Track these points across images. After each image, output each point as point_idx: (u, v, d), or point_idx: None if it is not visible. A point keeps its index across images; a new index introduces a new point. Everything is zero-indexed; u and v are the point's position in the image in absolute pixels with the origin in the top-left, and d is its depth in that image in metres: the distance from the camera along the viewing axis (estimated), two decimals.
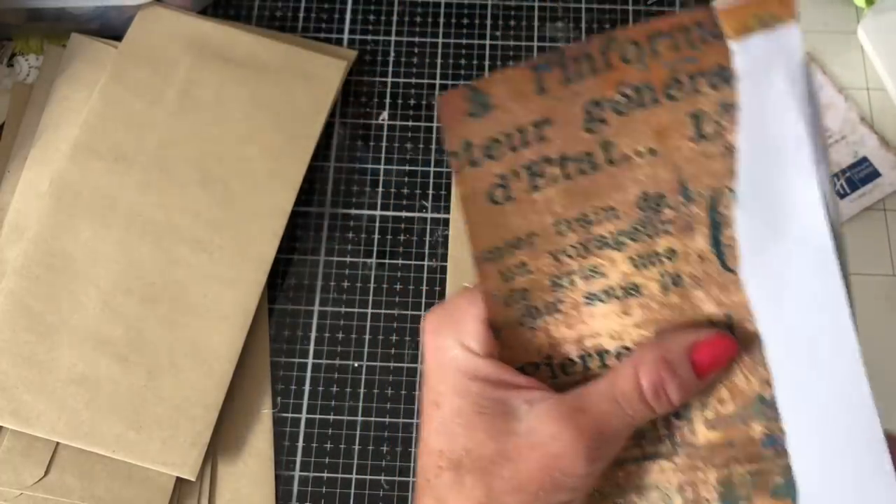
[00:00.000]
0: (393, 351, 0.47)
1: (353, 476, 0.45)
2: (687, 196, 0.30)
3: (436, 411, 0.31)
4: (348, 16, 0.54)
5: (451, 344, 0.32)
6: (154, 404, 0.44)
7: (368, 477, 0.45)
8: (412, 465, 0.45)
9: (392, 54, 0.53)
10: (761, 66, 0.29)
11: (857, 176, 0.50)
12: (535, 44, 0.53)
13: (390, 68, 0.53)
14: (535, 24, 0.54)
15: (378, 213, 0.50)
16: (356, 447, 0.46)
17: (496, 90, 0.31)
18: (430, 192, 0.50)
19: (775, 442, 0.30)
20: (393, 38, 0.54)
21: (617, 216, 0.31)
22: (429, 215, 0.50)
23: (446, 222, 0.49)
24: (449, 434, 0.31)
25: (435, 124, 0.52)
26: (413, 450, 0.45)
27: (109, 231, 0.47)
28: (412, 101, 0.52)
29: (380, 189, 0.50)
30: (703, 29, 0.29)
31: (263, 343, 0.47)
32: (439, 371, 0.32)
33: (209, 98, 0.50)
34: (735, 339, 0.30)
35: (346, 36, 0.54)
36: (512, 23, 0.54)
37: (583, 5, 0.54)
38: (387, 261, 0.49)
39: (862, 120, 0.51)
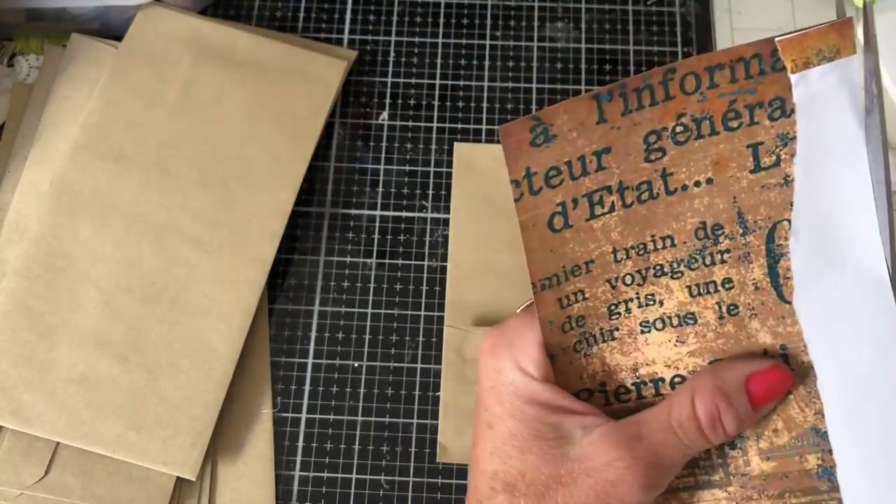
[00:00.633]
0: (393, 351, 0.47)
1: (353, 476, 0.45)
2: (744, 226, 0.31)
3: (490, 433, 0.31)
4: (348, 16, 0.54)
5: (508, 367, 0.32)
6: (154, 404, 0.44)
7: (368, 477, 0.45)
8: (412, 465, 0.45)
9: (392, 54, 0.53)
10: (821, 98, 0.29)
11: None
12: (535, 44, 0.53)
13: (390, 68, 0.53)
14: (535, 24, 0.54)
15: (378, 213, 0.50)
16: (356, 447, 0.46)
17: (558, 120, 0.31)
18: (430, 192, 0.50)
19: (830, 474, 0.30)
20: (393, 38, 0.54)
21: (674, 245, 0.31)
22: (429, 215, 0.50)
23: (446, 222, 0.49)
24: (503, 456, 0.31)
25: (435, 124, 0.52)
26: (413, 449, 0.45)
27: (109, 231, 0.47)
28: (412, 101, 0.52)
29: (380, 189, 0.50)
30: (763, 61, 0.30)
31: (263, 343, 0.47)
32: (495, 393, 0.32)
33: (209, 98, 0.50)
34: (791, 371, 0.30)
35: (346, 36, 0.54)
36: (512, 23, 0.54)
37: (583, 5, 0.54)
38: (387, 261, 0.49)
39: None
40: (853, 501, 0.30)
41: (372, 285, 0.49)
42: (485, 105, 0.52)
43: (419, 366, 0.47)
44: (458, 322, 0.47)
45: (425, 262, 0.49)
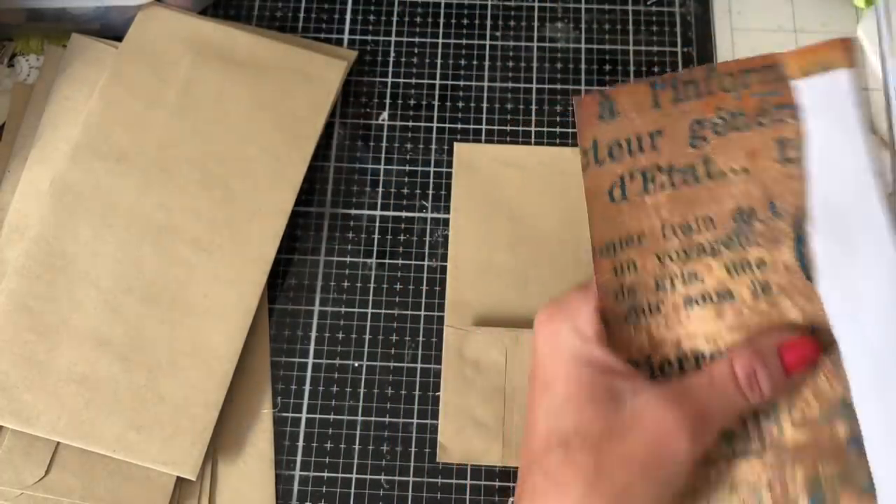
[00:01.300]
0: (393, 351, 0.47)
1: (353, 476, 0.45)
2: (774, 212, 0.34)
3: (546, 393, 0.34)
4: (348, 16, 0.54)
5: (564, 329, 0.34)
6: (154, 404, 0.44)
7: (368, 477, 0.45)
8: (412, 464, 0.45)
9: (392, 54, 0.53)
10: (824, 102, 0.34)
11: None
12: (535, 44, 0.53)
13: (390, 68, 0.53)
14: (535, 24, 0.54)
15: (378, 213, 0.50)
16: (356, 447, 0.46)
17: (621, 99, 0.36)
18: (430, 192, 0.50)
19: (860, 444, 0.32)
20: (393, 38, 0.54)
21: (714, 226, 0.35)
22: (429, 215, 0.50)
23: (446, 222, 0.49)
24: (559, 415, 0.33)
25: (435, 124, 0.52)
26: (413, 449, 0.45)
27: (110, 231, 0.47)
28: (412, 101, 0.52)
29: (380, 189, 0.50)
30: (783, 69, 0.34)
31: (263, 343, 0.47)
32: (552, 355, 0.34)
33: (209, 98, 0.50)
34: (819, 344, 0.33)
35: (346, 36, 0.54)
36: (512, 23, 0.54)
37: (583, 5, 0.54)
38: (387, 261, 0.49)
39: None
40: (880, 472, 0.31)
41: (372, 285, 0.49)
42: (485, 105, 0.52)
43: (419, 366, 0.47)
44: (458, 322, 0.47)
45: (425, 262, 0.49)
